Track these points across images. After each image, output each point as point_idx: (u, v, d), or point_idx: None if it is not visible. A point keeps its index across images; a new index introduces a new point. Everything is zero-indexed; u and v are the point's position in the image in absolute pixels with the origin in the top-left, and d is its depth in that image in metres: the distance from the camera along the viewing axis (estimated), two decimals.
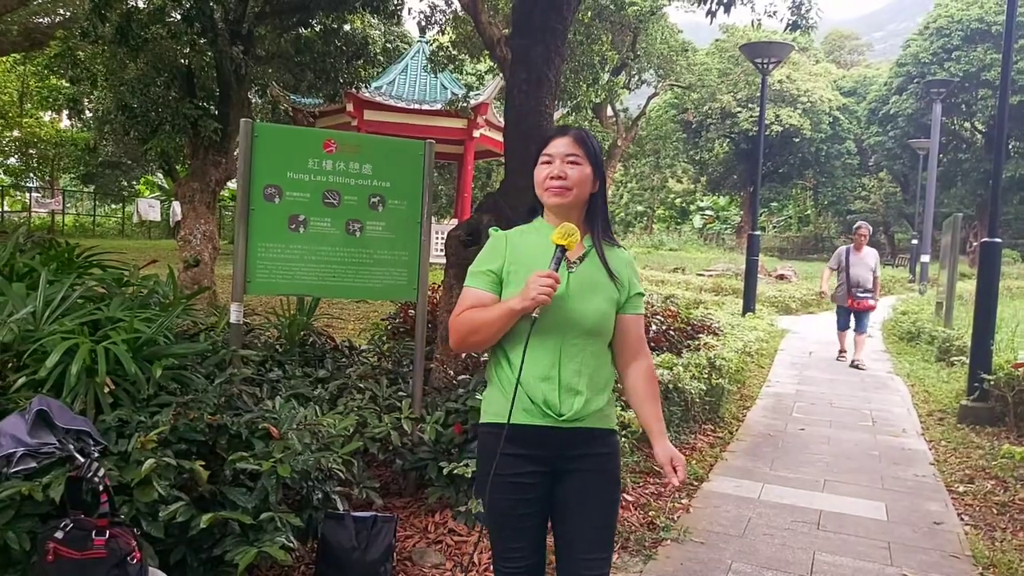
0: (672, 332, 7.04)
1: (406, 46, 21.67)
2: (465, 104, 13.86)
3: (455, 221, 18.45)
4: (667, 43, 25.49)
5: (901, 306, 14.80)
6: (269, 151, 3.93)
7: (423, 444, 3.90)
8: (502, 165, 8.03)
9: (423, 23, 11.84)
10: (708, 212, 54.11)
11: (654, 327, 6.79)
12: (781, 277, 22.42)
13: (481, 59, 13.89)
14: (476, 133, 18.60)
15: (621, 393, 2.81)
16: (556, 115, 10.14)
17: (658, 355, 5.73)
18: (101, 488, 2.38)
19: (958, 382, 7.93)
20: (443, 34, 12.52)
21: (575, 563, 2.11)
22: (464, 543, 3.62)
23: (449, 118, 17.29)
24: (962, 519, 4.51)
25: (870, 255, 9.66)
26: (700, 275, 21.92)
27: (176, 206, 22.68)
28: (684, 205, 55.85)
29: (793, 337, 12.41)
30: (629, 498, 4.38)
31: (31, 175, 32.82)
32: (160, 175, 30.97)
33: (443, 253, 5.04)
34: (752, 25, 9.83)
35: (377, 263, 4.10)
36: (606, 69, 15.21)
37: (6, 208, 32.32)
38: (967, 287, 13.98)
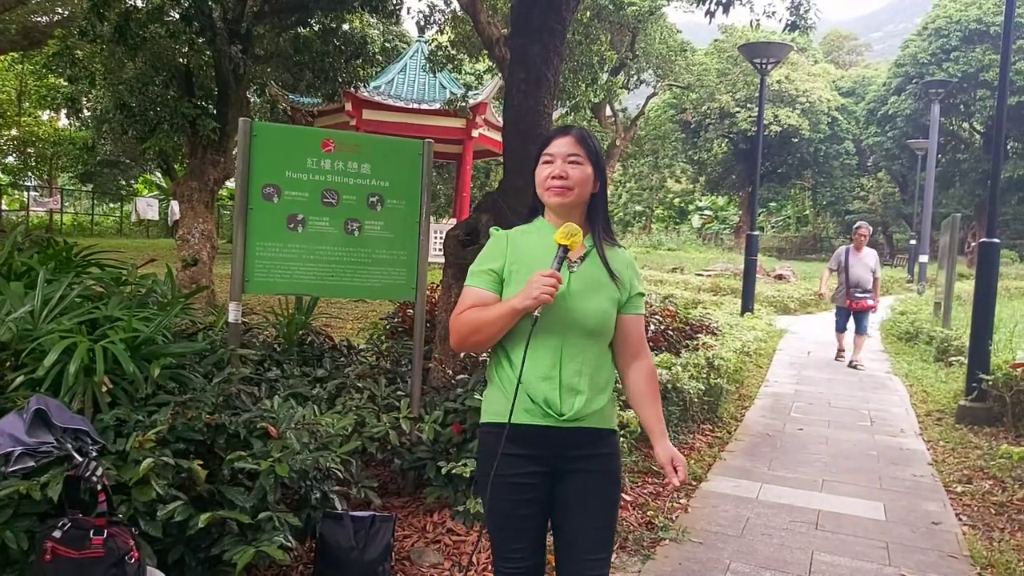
0: (670, 332, 7.05)
1: (405, 45, 21.67)
2: (464, 104, 13.86)
3: (454, 221, 18.47)
4: (666, 43, 25.51)
5: (899, 306, 14.83)
6: (268, 150, 3.92)
7: (421, 444, 3.90)
8: (501, 165, 8.03)
9: (422, 22, 11.86)
10: (707, 212, 54.16)
11: (652, 327, 6.79)
12: (780, 277, 22.43)
13: (480, 59, 13.91)
14: (475, 133, 18.61)
15: (620, 393, 2.82)
16: (555, 115, 10.14)
17: (657, 355, 5.74)
18: (99, 487, 2.38)
19: (956, 382, 7.94)
20: (442, 34, 12.52)
21: (576, 563, 2.11)
22: (462, 543, 3.62)
23: (448, 118, 17.29)
24: (960, 519, 4.51)
25: (870, 255, 9.65)
26: (699, 275, 21.93)
27: (174, 205, 22.70)
28: (683, 205, 55.90)
29: (791, 337, 12.42)
30: (627, 498, 4.38)
31: (29, 174, 32.78)
32: (158, 174, 30.92)
33: (442, 253, 5.04)
34: (751, 25, 9.85)
35: (376, 262, 4.10)
36: (605, 69, 15.24)
37: (4, 207, 32.26)
38: (965, 287, 14.00)
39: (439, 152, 19.03)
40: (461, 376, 4.40)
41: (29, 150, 30.24)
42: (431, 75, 16.60)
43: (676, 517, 4.28)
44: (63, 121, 29.60)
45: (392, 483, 4.18)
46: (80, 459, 2.42)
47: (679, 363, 5.78)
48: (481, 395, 3.85)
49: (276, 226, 3.93)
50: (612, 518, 2.17)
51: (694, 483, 4.88)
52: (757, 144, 13.28)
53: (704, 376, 6.01)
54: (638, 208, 52.64)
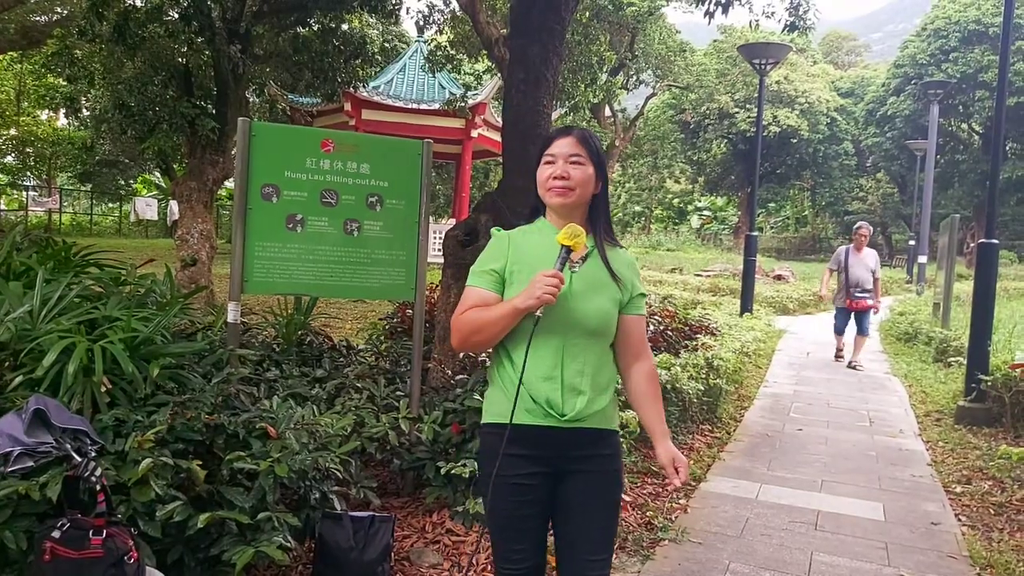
0: (670, 332, 7.05)
1: (404, 45, 21.68)
2: (463, 104, 13.86)
3: (453, 221, 18.47)
4: (665, 43, 25.52)
5: (899, 307, 14.83)
6: (267, 150, 3.92)
7: (421, 444, 3.90)
8: (500, 165, 8.04)
9: (421, 23, 11.85)
10: (706, 212, 54.19)
11: (651, 327, 6.80)
12: (779, 278, 22.44)
13: (479, 59, 13.91)
14: (474, 133, 18.61)
15: (619, 393, 2.81)
16: (554, 115, 10.14)
17: (656, 355, 5.74)
18: (98, 487, 2.38)
19: (955, 383, 7.94)
20: (441, 34, 12.53)
21: (577, 564, 2.11)
22: (462, 543, 3.62)
23: (447, 118, 17.29)
24: (959, 519, 4.51)
25: (870, 256, 9.63)
26: (698, 275, 21.94)
27: (173, 205, 22.69)
28: (682, 205, 55.93)
29: (791, 337, 12.42)
30: (627, 498, 4.38)
31: (28, 174, 32.75)
32: (157, 174, 30.91)
33: (441, 253, 5.04)
34: (750, 26, 9.86)
35: (375, 263, 4.09)
36: (604, 69, 15.23)
37: (3, 207, 32.29)
38: (964, 288, 14.02)
39: (438, 152, 19.03)
40: (460, 376, 4.40)
41: (28, 150, 30.22)
42: (430, 75, 16.63)
43: (675, 517, 4.28)
44: (62, 121, 29.60)
45: (391, 483, 4.18)
46: (79, 459, 2.42)
47: (678, 363, 5.79)
48: (480, 395, 3.87)
49: (275, 226, 3.92)
50: (613, 519, 2.17)
51: (693, 483, 4.88)
52: (756, 144, 13.29)
53: (703, 376, 6.01)
54: (637, 208, 52.66)
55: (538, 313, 1.97)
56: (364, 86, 14.01)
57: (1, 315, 3.21)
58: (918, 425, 6.85)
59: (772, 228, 54.22)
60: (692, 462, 5.24)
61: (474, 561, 3.45)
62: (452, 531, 3.70)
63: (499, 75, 11.64)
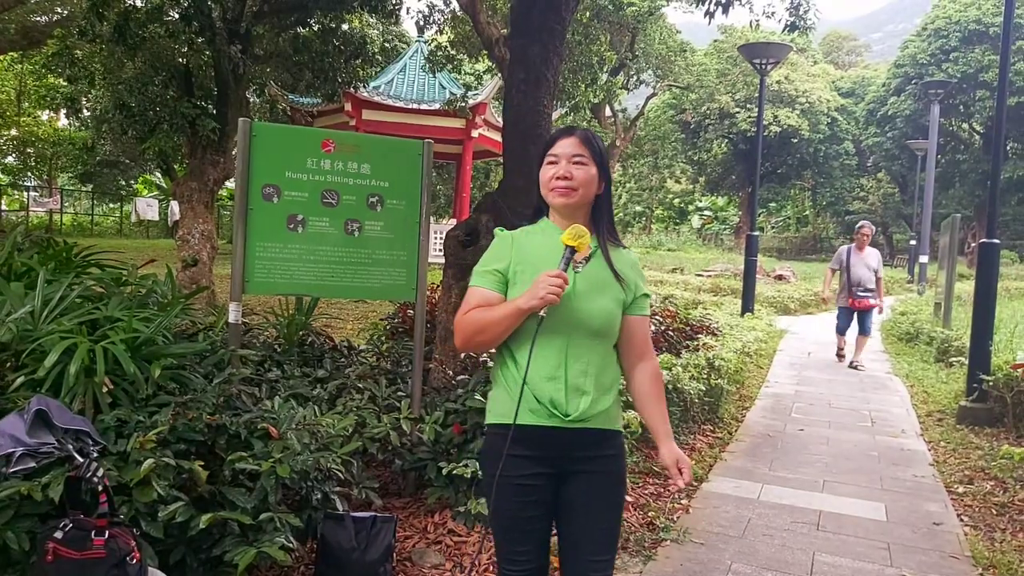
0: (671, 332, 7.05)
1: (404, 46, 21.68)
2: (463, 104, 13.86)
3: (453, 221, 18.47)
4: (665, 43, 25.53)
5: (900, 307, 14.83)
6: (267, 150, 3.92)
7: (422, 444, 3.89)
8: (500, 165, 8.03)
9: (421, 23, 11.84)
10: (707, 212, 54.20)
11: (653, 327, 6.79)
12: (780, 277, 22.43)
13: (479, 59, 13.91)
14: (474, 133, 18.61)
15: (620, 393, 2.81)
16: (554, 115, 10.13)
17: (657, 355, 5.72)
18: (100, 488, 2.38)
19: (957, 383, 7.93)
20: (441, 34, 12.52)
21: (581, 564, 2.11)
22: (464, 543, 3.62)
23: (447, 118, 17.29)
24: (961, 520, 4.51)
25: (872, 255, 9.59)
26: (699, 275, 21.93)
27: (174, 205, 22.70)
28: (683, 205, 55.94)
29: (792, 337, 12.42)
30: (629, 498, 4.38)
31: (29, 174, 32.77)
32: (158, 174, 30.91)
33: (442, 253, 5.03)
34: (750, 26, 9.85)
35: (376, 263, 4.09)
36: (604, 69, 15.23)
37: (4, 207, 32.26)
38: (966, 288, 14.02)
39: (439, 152, 19.04)
40: (462, 377, 4.40)
41: (29, 150, 30.24)
42: (430, 75, 16.62)
43: (677, 518, 4.28)
44: (63, 121, 29.60)
45: (393, 484, 4.18)
46: (81, 460, 2.41)
47: (679, 364, 5.78)
48: (481, 396, 3.87)
49: (276, 226, 3.92)
50: (617, 519, 2.17)
51: (695, 484, 4.88)
52: (757, 144, 13.28)
53: (705, 377, 6.01)
54: (638, 208, 52.67)
55: (542, 313, 1.96)
56: (364, 86, 14.01)
57: (3, 316, 3.21)
58: (920, 425, 6.85)
59: (773, 228, 54.22)
60: (694, 462, 5.24)
61: (476, 562, 3.45)
62: (454, 531, 3.70)
63: (499, 75, 11.63)
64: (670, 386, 5.43)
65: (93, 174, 30.27)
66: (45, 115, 29.52)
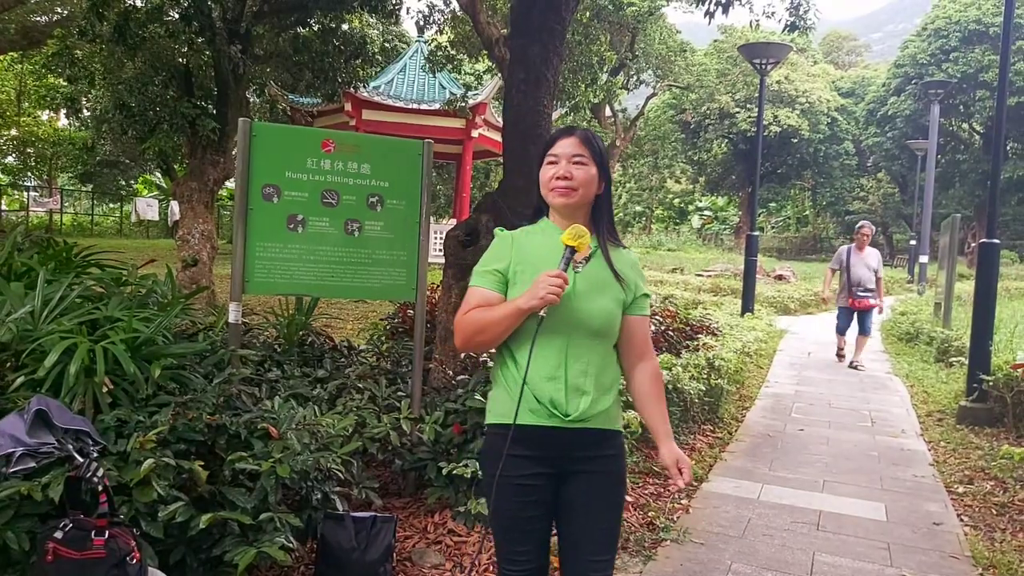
0: (671, 332, 7.05)
1: (404, 46, 21.68)
2: (463, 104, 13.86)
3: (453, 221, 18.48)
4: (665, 43, 25.54)
5: (900, 307, 14.83)
6: (267, 150, 3.92)
7: (422, 444, 3.89)
8: (500, 165, 8.03)
9: (421, 23, 11.84)
10: (707, 212, 54.20)
11: (653, 327, 6.79)
12: (780, 277, 22.43)
13: (479, 59, 13.92)
14: (474, 133, 18.61)
15: (621, 393, 2.81)
16: (554, 115, 10.12)
17: (657, 355, 5.72)
18: (100, 488, 2.38)
19: (957, 383, 7.94)
20: (441, 34, 12.52)
21: (581, 564, 2.11)
22: (464, 543, 3.62)
23: (447, 118, 17.29)
24: (961, 520, 4.51)
25: (872, 255, 9.57)
26: (699, 275, 21.93)
27: (174, 205, 22.70)
28: (683, 205, 55.94)
29: (792, 337, 12.42)
30: (628, 498, 4.38)
31: (29, 174, 32.78)
32: (158, 174, 30.91)
33: (442, 253, 5.03)
34: (750, 26, 9.85)
35: (376, 263, 4.09)
36: (604, 69, 15.23)
37: (4, 207, 32.26)
38: (966, 288, 14.02)
39: (439, 152, 19.04)
40: (462, 377, 4.40)
41: (29, 150, 30.24)
42: (430, 75, 16.63)
43: (677, 518, 4.28)
44: (63, 121, 29.60)
45: (393, 484, 4.18)
46: (81, 460, 2.41)
47: (679, 364, 5.78)
48: (481, 396, 3.87)
49: (276, 226, 3.92)
50: (617, 519, 2.17)
51: (695, 484, 4.88)
52: (757, 144, 13.28)
53: (704, 377, 6.01)
54: (638, 208, 52.68)
55: (542, 313, 1.97)
56: (364, 86, 14.02)
57: (3, 316, 3.21)
58: (920, 425, 6.85)
59: (773, 228, 54.23)
60: (694, 462, 5.24)
61: (476, 562, 3.45)
62: (454, 531, 3.70)
63: (499, 75, 11.63)
64: (670, 386, 5.43)
65: (93, 174, 30.28)
66: (45, 115, 29.52)
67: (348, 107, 17.45)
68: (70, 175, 32.96)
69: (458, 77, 17.82)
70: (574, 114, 14.06)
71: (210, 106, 9.44)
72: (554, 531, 2.18)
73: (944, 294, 11.09)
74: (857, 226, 9.87)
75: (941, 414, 7.18)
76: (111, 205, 34.61)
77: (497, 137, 17.41)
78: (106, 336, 3.17)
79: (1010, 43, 7.03)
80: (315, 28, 9.56)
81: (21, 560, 2.38)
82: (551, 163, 2.12)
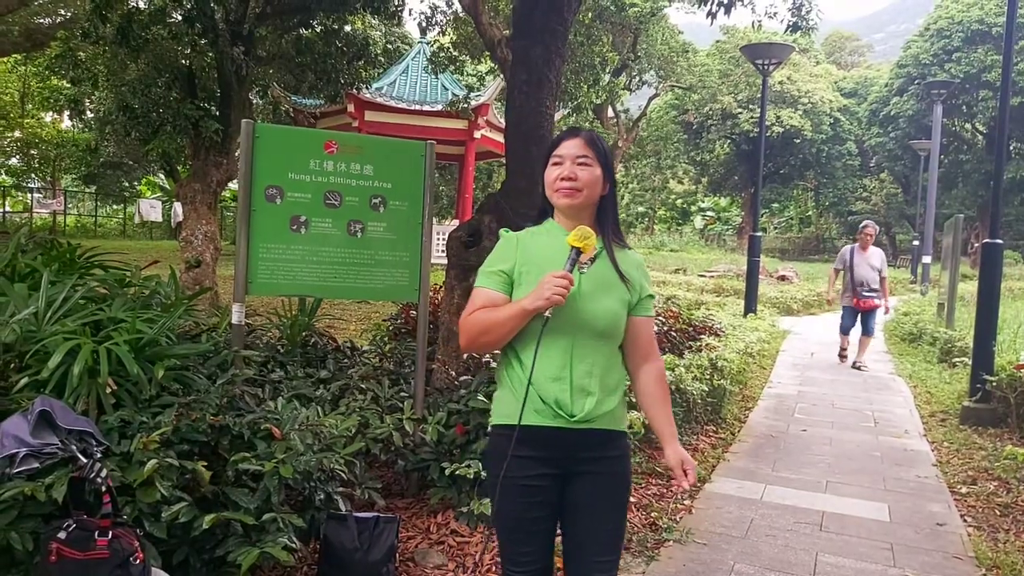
0: (674, 333, 7.05)
1: (407, 47, 21.68)
2: (466, 105, 13.86)
3: (456, 222, 18.47)
4: (668, 44, 25.55)
5: (903, 307, 14.81)
6: (270, 152, 3.92)
7: (425, 445, 3.90)
8: (503, 166, 8.05)
9: (424, 24, 11.84)
10: (709, 213, 54.14)
11: (655, 328, 6.78)
12: (782, 278, 22.41)
13: (482, 60, 13.89)
14: (477, 134, 18.61)
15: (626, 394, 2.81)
16: (557, 116, 10.13)
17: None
18: (104, 489, 2.38)
19: (960, 383, 7.93)
20: (444, 35, 12.52)
21: (586, 565, 2.11)
22: (466, 544, 3.62)
23: (450, 119, 17.29)
24: (965, 520, 4.50)
25: (875, 255, 9.52)
26: (701, 276, 21.92)
27: (177, 207, 22.71)
28: (685, 206, 55.88)
29: (795, 338, 12.41)
30: (631, 499, 4.37)
31: (32, 176, 32.87)
32: (161, 176, 31.01)
33: (444, 254, 5.04)
34: (753, 26, 9.84)
35: (378, 264, 4.10)
36: (607, 70, 15.23)
37: (8, 209, 32.38)
38: (969, 288, 13.99)
39: (441, 153, 19.04)
40: (464, 377, 4.40)
41: (32, 152, 30.32)
42: (433, 76, 16.62)
43: (680, 518, 4.28)
44: (66, 123, 29.68)
45: (396, 484, 4.18)
46: (84, 460, 2.42)
47: (682, 364, 5.78)
48: (484, 396, 3.87)
49: (279, 228, 3.93)
50: (622, 520, 2.17)
51: (698, 484, 4.88)
52: (759, 145, 13.27)
53: (707, 377, 6.00)
54: (640, 209, 52.62)
55: (547, 314, 1.97)
56: (367, 87, 14.01)
57: (6, 317, 3.22)
58: (923, 425, 6.84)
59: (776, 228, 54.17)
60: (696, 463, 5.22)
61: (478, 561, 3.45)
62: (457, 532, 3.70)
63: (502, 76, 11.63)
64: (673, 387, 5.43)
65: (97, 175, 30.35)
66: (49, 117, 29.61)
67: (351, 108, 17.47)
68: (74, 177, 33.04)
69: (460, 78, 17.84)
70: (576, 115, 14.06)
71: (213, 108, 9.46)
72: (558, 532, 2.18)
73: (947, 294, 11.07)
74: (861, 226, 9.84)
75: (944, 414, 7.17)
76: (115, 206, 34.70)
77: (499, 138, 17.39)
78: (110, 337, 3.18)
79: (1013, 43, 7.02)
80: (318, 30, 9.58)
81: (25, 560, 2.39)
82: (556, 164, 2.13)
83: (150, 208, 28.60)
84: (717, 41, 40.45)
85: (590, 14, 11.82)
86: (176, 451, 2.77)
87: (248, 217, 3.86)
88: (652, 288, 2.24)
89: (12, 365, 3.05)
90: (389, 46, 16.95)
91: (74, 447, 2.46)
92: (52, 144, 29.17)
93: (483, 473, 3.58)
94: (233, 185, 14.84)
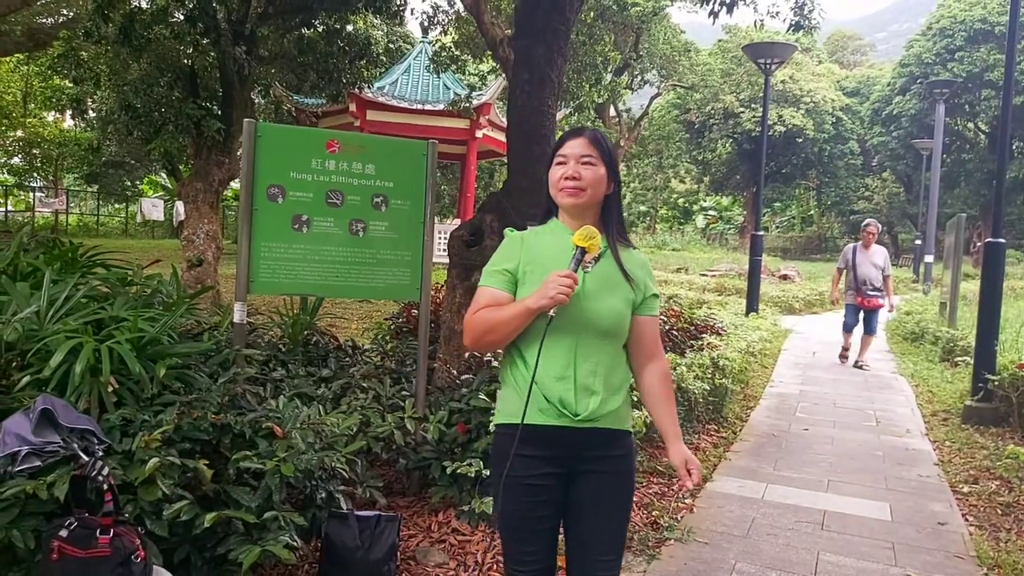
0: (675, 332, 7.04)
1: (409, 46, 21.68)
2: (468, 104, 13.86)
3: (458, 221, 18.48)
4: (670, 43, 25.54)
5: (905, 306, 14.80)
6: (272, 151, 3.93)
7: (426, 443, 3.90)
8: (505, 165, 8.06)
9: (426, 23, 11.84)
10: (711, 212, 54.10)
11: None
12: (784, 277, 22.40)
13: (484, 59, 13.89)
14: (479, 133, 18.61)
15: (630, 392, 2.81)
16: (559, 115, 10.12)
17: None
18: (105, 487, 2.39)
19: (962, 382, 7.92)
20: (446, 34, 12.52)
21: (589, 564, 2.11)
22: (468, 542, 3.62)
23: (452, 118, 17.29)
24: (966, 519, 4.50)
25: (878, 253, 9.47)
26: (703, 275, 21.92)
27: (179, 206, 22.73)
28: (687, 205, 55.85)
29: (796, 337, 12.40)
30: (633, 498, 4.38)
31: (35, 175, 32.89)
32: (163, 175, 31.02)
33: (446, 253, 5.04)
34: (755, 25, 9.81)
35: (380, 263, 4.10)
36: (609, 69, 15.21)
37: (10, 208, 32.43)
38: (971, 287, 13.96)
39: (443, 153, 19.03)
40: (466, 376, 4.40)
41: (34, 151, 30.33)
42: (435, 76, 16.62)
43: (681, 517, 4.28)
44: (68, 122, 29.71)
45: (397, 483, 4.19)
46: (86, 459, 2.42)
47: (684, 363, 5.78)
48: (485, 395, 3.88)
49: (281, 227, 3.94)
50: (625, 519, 2.17)
51: (700, 483, 4.87)
52: (761, 144, 13.25)
53: (709, 376, 6.00)
54: (642, 208, 52.62)
55: (551, 313, 1.97)
56: (369, 87, 14.03)
57: (8, 315, 3.22)
58: (925, 425, 6.83)
59: (777, 228, 54.13)
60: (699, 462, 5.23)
61: (479, 560, 3.46)
62: (458, 530, 3.71)
63: (504, 76, 11.63)
64: (674, 385, 5.40)
65: (99, 175, 30.38)
66: (51, 116, 29.62)
67: (352, 108, 17.48)
68: (76, 176, 33.07)
69: (462, 78, 17.83)
70: (578, 114, 14.05)
71: (215, 107, 9.47)
72: (560, 531, 2.19)
73: (949, 294, 11.06)
74: (863, 224, 9.80)
75: (946, 414, 7.16)
76: (116, 205, 34.71)
77: (501, 137, 17.40)
78: (111, 336, 3.19)
79: (1015, 42, 7.01)
80: (320, 29, 9.58)
81: (27, 558, 2.39)
82: (560, 163, 2.13)
83: (152, 207, 28.61)
84: (719, 40, 40.43)
85: (592, 13, 11.81)
86: (178, 449, 2.77)
87: (250, 216, 3.87)
88: (657, 288, 2.24)
89: (14, 363, 3.06)
90: (391, 45, 16.94)
91: (76, 445, 2.47)
92: (54, 143, 29.18)
93: (484, 472, 3.58)
94: (235, 184, 14.85)
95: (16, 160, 31.54)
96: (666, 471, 4.84)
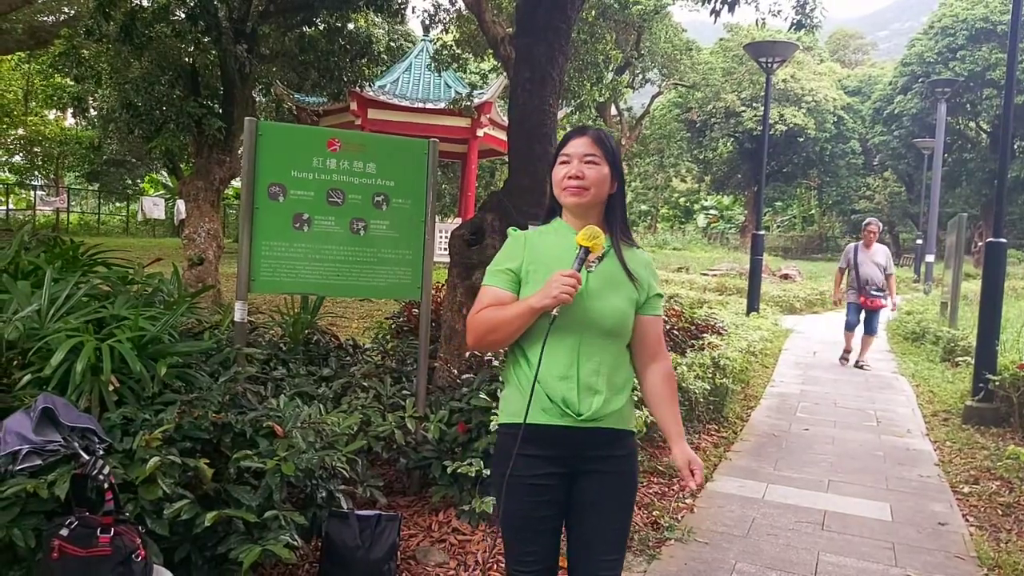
0: (676, 331, 7.04)
1: (410, 45, 21.68)
2: (469, 103, 13.86)
3: (459, 220, 18.48)
4: (671, 42, 25.54)
5: (906, 306, 14.79)
6: (273, 150, 3.93)
7: (427, 443, 3.90)
8: (506, 164, 8.04)
9: (427, 22, 11.83)
10: (712, 211, 54.07)
11: None
12: (785, 277, 22.38)
13: (485, 58, 13.90)
14: (480, 132, 18.61)
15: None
16: (560, 114, 10.12)
17: None
18: (106, 486, 2.39)
19: (963, 382, 7.91)
20: (447, 33, 12.52)
21: (591, 564, 2.11)
22: (468, 542, 3.62)
23: (453, 117, 17.30)
24: (967, 520, 4.49)
25: (880, 252, 9.43)
26: (704, 274, 21.91)
27: (180, 204, 22.75)
28: (688, 204, 55.81)
29: (797, 337, 12.39)
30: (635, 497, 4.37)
31: (36, 173, 32.91)
32: (164, 173, 31.05)
33: (447, 252, 5.04)
34: (756, 24, 9.81)
35: (381, 262, 4.10)
36: (610, 68, 15.20)
37: (11, 206, 32.43)
38: (972, 287, 13.94)
39: (444, 151, 19.03)
40: (467, 375, 4.40)
41: (36, 149, 30.35)
42: (436, 74, 16.62)
43: (682, 517, 4.27)
44: (69, 120, 29.73)
45: (398, 482, 4.19)
46: (87, 457, 2.42)
47: (685, 363, 5.78)
48: (487, 394, 3.88)
49: (282, 225, 3.94)
50: (628, 519, 2.17)
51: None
52: (763, 143, 13.25)
53: (710, 376, 6.00)
54: (643, 207, 52.58)
55: (554, 312, 1.96)
56: (370, 85, 14.03)
57: (9, 314, 3.22)
58: (925, 425, 6.83)
59: (779, 227, 54.10)
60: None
61: (480, 560, 3.46)
62: (458, 530, 3.71)
63: (505, 74, 11.64)
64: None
65: (100, 173, 30.41)
66: (52, 114, 29.62)
67: (354, 106, 17.48)
68: (77, 174, 33.09)
69: (463, 76, 17.84)
70: (579, 113, 14.05)
71: (216, 105, 9.47)
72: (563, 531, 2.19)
73: (950, 293, 11.05)
74: (864, 223, 9.76)
75: (947, 414, 7.16)
76: (117, 204, 34.74)
77: (502, 136, 17.41)
78: (112, 334, 3.19)
79: (1017, 41, 6.99)
80: (321, 27, 9.58)
81: (27, 557, 2.39)
82: (563, 163, 2.12)
83: (153, 206, 28.63)
84: (720, 39, 40.39)
85: (593, 12, 11.81)
86: (178, 448, 2.77)
87: (251, 215, 3.87)
88: (660, 287, 2.24)
89: (15, 362, 3.06)
90: (392, 44, 16.94)
91: (76, 444, 2.47)
92: (55, 142, 29.21)
93: (485, 471, 3.58)
94: (236, 183, 14.86)
95: (17, 158, 31.56)
96: (667, 471, 4.84)
